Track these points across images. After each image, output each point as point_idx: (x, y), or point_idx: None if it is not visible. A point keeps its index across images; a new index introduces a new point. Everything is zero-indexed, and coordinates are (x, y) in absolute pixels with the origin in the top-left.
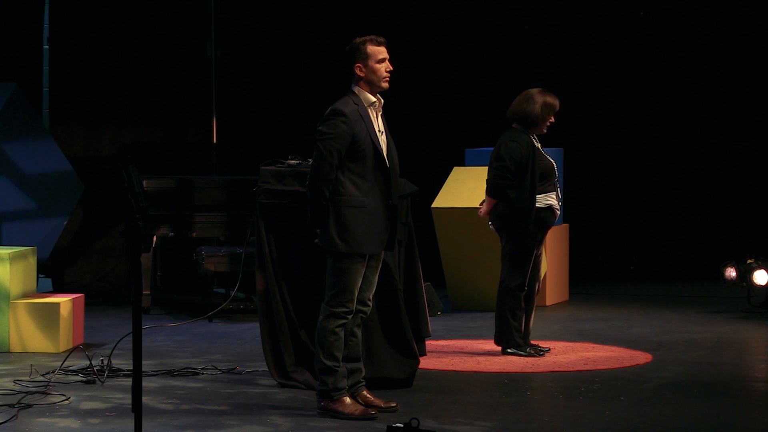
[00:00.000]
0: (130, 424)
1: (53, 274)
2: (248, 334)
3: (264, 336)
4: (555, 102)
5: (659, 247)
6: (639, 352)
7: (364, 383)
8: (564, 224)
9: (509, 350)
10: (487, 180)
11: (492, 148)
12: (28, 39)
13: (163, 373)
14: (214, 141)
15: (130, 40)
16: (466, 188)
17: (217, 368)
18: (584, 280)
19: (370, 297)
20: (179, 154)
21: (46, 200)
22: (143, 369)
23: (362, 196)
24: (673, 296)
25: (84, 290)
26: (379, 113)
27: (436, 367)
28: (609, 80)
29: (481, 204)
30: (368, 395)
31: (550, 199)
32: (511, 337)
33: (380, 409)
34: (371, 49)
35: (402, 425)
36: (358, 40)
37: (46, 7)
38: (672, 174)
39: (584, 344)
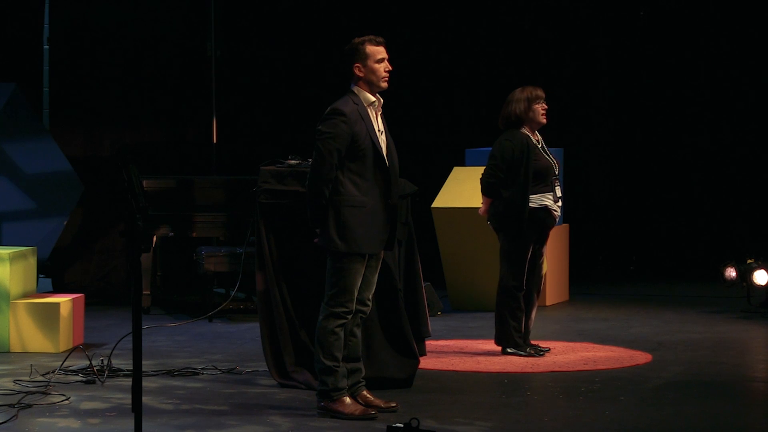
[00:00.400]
0: (130, 424)
1: (53, 274)
2: (248, 334)
3: (264, 336)
4: (536, 91)
5: (659, 247)
6: (639, 352)
7: (364, 383)
8: (564, 224)
9: (509, 350)
10: (480, 179)
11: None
12: (28, 39)
13: (163, 373)
14: (214, 141)
15: (130, 40)
16: (466, 188)
17: (217, 368)
18: (584, 280)
19: (370, 297)
20: (179, 154)
21: (46, 200)
22: (143, 369)
23: (362, 196)
24: (673, 296)
25: (84, 290)
26: (379, 113)
27: (436, 367)
28: (609, 80)
29: (482, 203)
30: (368, 395)
31: (545, 200)
32: (511, 337)
33: (380, 409)
34: (370, 48)
35: (402, 425)
36: (357, 39)
37: (46, 7)
38: (672, 174)
39: (584, 344)
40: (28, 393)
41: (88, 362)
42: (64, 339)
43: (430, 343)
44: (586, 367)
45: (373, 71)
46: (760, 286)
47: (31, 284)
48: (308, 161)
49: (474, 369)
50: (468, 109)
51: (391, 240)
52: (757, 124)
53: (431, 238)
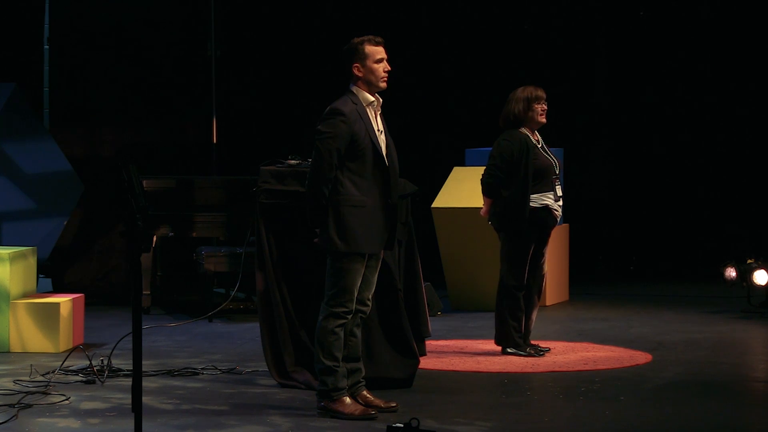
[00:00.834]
0: (130, 424)
1: (53, 274)
2: (248, 334)
3: (264, 336)
4: (536, 91)
5: (659, 247)
6: (639, 352)
7: (364, 383)
8: (564, 224)
9: (509, 350)
10: (480, 180)
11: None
12: (28, 39)
13: (163, 373)
14: (214, 141)
15: (130, 40)
16: (466, 188)
17: (217, 368)
18: (584, 280)
19: (370, 297)
20: (179, 154)
21: (46, 200)
22: (143, 369)
23: (361, 196)
24: (673, 296)
25: (84, 290)
26: (378, 113)
27: (436, 367)
28: (609, 80)
29: (484, 204)
30: (368, 395)
31: (546, 199)
32: (511, 337)
33: (380, 409)
34: (369, 48)
35: (402, 425)
36: (356, 39)
37: (46, 7)
38: (672, 174)
39: (584, 344)
40: (28, 393)
41: (88, 362)
42: (64, 339)
43: (430, 343)
44: (586, 367)
45: (372, 71)
46: (760, 286)
47: (31, 284)
48: (308, 161)
49: (474, 369)
50: (468, 109)
51: (391, 240)
52: (757, 124)
53: (431, 238)
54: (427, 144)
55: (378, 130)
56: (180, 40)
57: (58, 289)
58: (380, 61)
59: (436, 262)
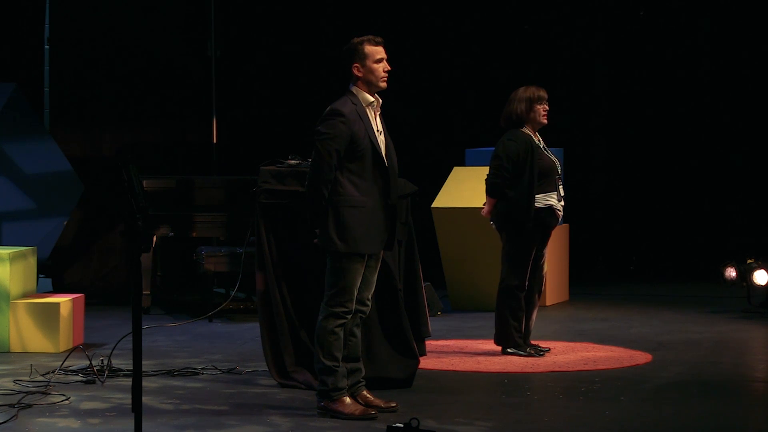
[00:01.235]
0: (130, 424)
1: (53, 274)
2: (248, 334)
3: (264, 336)
4: (538, 92)
5: (659, 247)
6: (639, 352)
7: (364, 383)
8: (564, 224)
9: (509, 350)
10: (485, 180)
11: (492, 148)
12: (28, 39)
13: (163, 373)
14: (214, 141)
15: (130, 40)
16: (466, 188)
17: (217, 368)
18: (584, 280)
19: (369, 297)
20: (179, 154)
21: (46, 200)
22: (143, 369)
23: (361, 196)
24: (673, 296)
25: (84, 290)
26: (378, 113)
27: (436, 367)
28: (609, 80)
29: (484, 204)
30: (368, 395)
31: (550, 199)
32: (511, 337)
33: (380, 409)
34: (369, 49)
35: (402, 425)
36: (356, 40)
37: (46, 7)
38: (672, 174)
39: (584, 344)
40: (28, 393)
41: (88, 362)
42: (64, 339)
43: (430, 343)
44: (586, 367)
45: (372, 71)
46: (760, 286)
47: (31, 284)
48: (308, 161)
49: (474, 369)
50: (468, 109)
51: (390, 240)
52: (757, 124)
53: (431, 238)
54: (427, 144)
55: (377, 131)
56: (180, 40)
57: (58, 289)
58: (380, 61)
59: (436, 262)
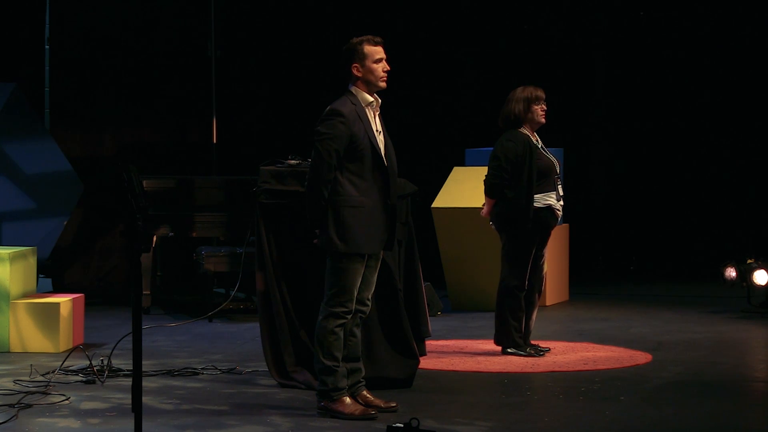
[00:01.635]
0: (130, 424)
1: (53, 274)
2: (248, 334)
3: (264, 336)
4: (536, 92)
5: (659, 247)
6: (639, 352)
7: (364, 383)
8: (564, 224)
9: (509, 350)
10: (484, 180)
11: (492, 149)
12: (28, 39)
13: (163, 373)
14: (214, 141)
15: (131, 40)
16: (466, 188)
17: (217, 368)
18: (584, 280)
19: (369, 297)
20: (179, 154)
21: (46, 200)
22: (143, 369)
23: (361, 196)
24: (673, 296)
25: (84, 290)
26: (377, 113)
27: (436, 367)
28: (609, 80)
29: (484, 205)
30: (368, 395)
31: (549, 199)
32: (511, 337)
33: (380, 409)
34: (368, 49)
35: (402, 425)
36: (355, 40)
37: (46, 7)
38: (672, 174)
39: (584, 344)
40: (28, 393)
41: (88, 362)
42: (64, 339)
43: (430, 343)
44: (586, 367)
45: (371, 71)
46: (760, 286)
47: (31, 284)
48: (308, 161)
49: (474, 369)
50: (468, 109)
51: (390, 240)
52: (757, 125)
53: (431, 238)
54: (427, 144)
55: (377, 131)
56: (180, 40)
57: (58, 289)
58: (379, 61)
59: (436, 262)
